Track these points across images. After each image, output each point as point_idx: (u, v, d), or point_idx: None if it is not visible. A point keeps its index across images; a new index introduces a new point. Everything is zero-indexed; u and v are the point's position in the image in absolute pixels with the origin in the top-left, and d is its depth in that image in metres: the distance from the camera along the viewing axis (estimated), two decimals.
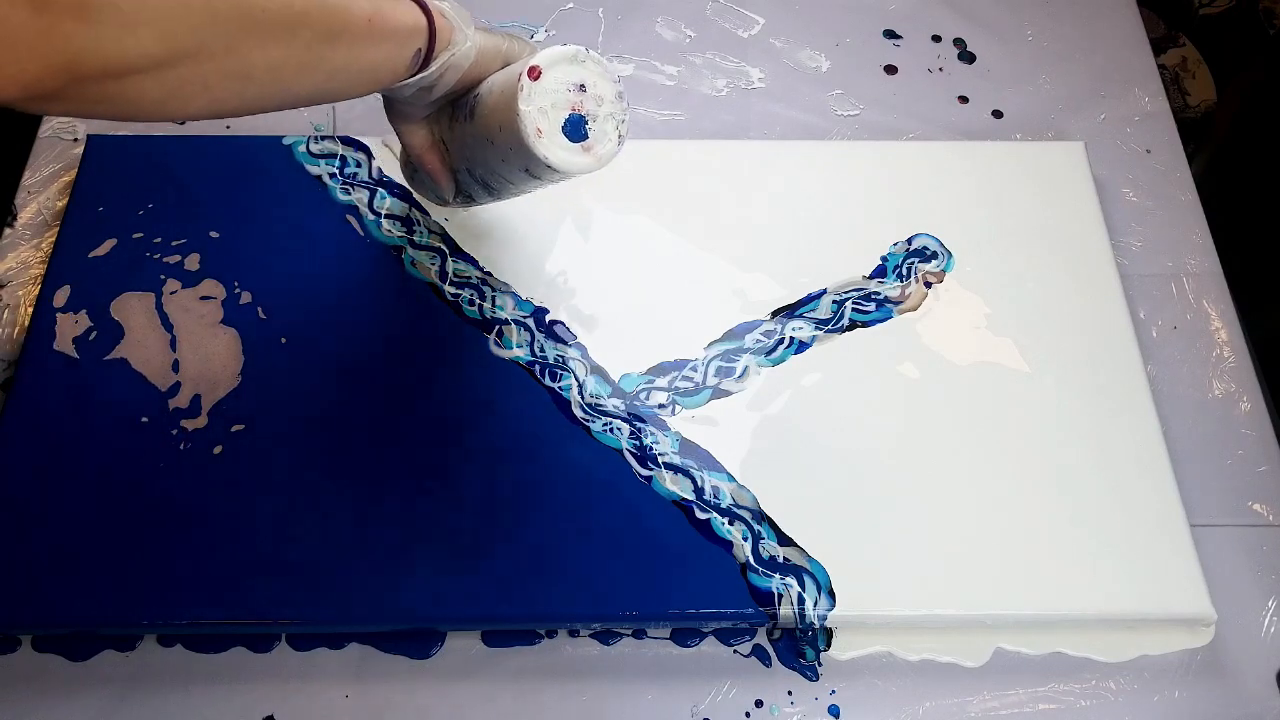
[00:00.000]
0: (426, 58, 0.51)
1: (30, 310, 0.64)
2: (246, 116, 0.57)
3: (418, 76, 0.51)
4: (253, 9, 0.42)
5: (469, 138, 0.55)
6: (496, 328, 0.63)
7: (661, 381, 0.61)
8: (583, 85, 0.52)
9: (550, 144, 0.51)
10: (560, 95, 0.51)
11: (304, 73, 0.46)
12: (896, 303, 0.65)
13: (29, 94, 0.36)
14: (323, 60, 0.46)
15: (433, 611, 0.55)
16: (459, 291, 0.64)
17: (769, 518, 0.57)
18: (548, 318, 0.64)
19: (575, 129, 0.52)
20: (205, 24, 0.40)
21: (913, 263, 0.66)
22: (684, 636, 0.56)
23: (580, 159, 0.52)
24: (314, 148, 0.69)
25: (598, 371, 0.62)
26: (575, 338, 0.63)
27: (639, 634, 0.56)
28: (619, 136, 0.52)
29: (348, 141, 0.70)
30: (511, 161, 0.53)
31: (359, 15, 0.47)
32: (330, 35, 0.46)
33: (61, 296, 0.63)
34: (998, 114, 0.76)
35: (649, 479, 0.58)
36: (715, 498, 0.57)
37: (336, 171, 0.69)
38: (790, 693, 0.55)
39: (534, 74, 0.51)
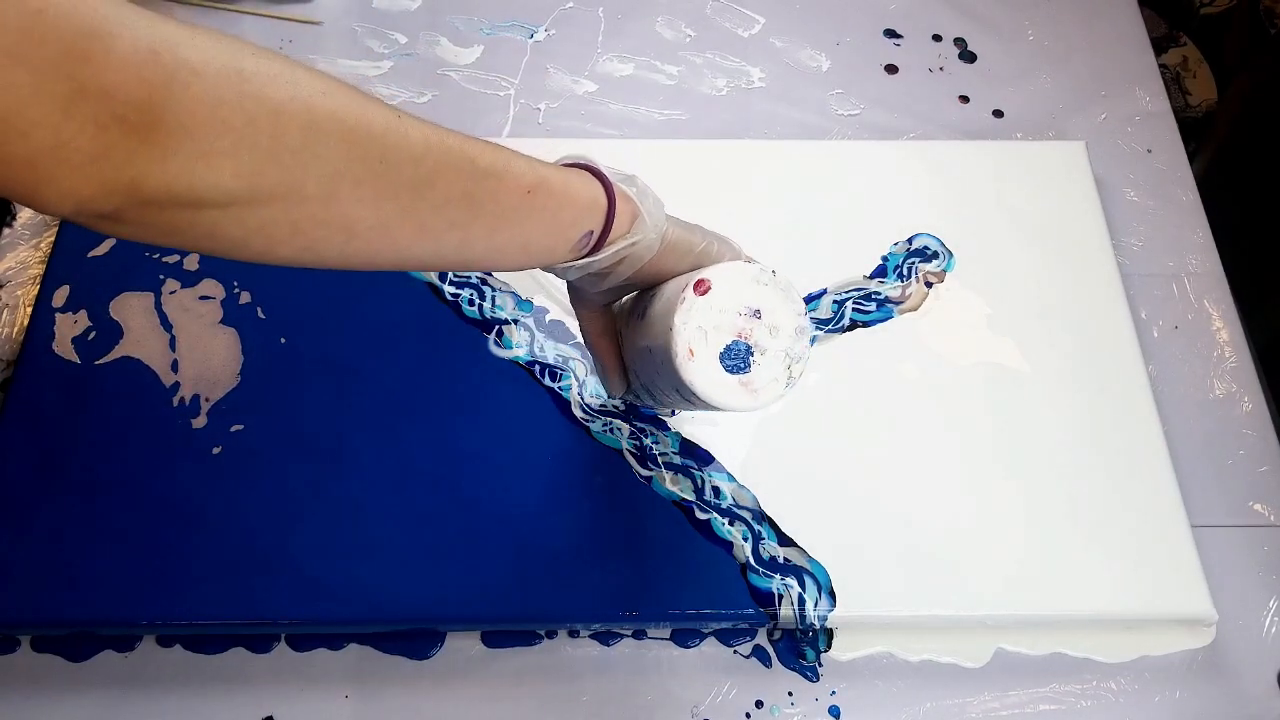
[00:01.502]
0: (599, 242, 0.44)
1: (30, 310, 0.64)
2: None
3: (584, 261, 0.45)
4: (369, 158, 0.37)
5: (637, 337, 0.50)
6: (496, 328, 0.63)
7: None
8: (758, 311, 0.45)
9: (700, 370, 0.45)
10: (727, 318, 0.45)
11: (427, 235, 0.40)
12: (897, 303, 0.65)
13: (83, 211, 0.32)
14: (455, 226, 0.40)
15: (433, 611, 0.55)
16: (459, 291, 0.64)
17: (769, 518, 0.57)
18: (548, 318, 0.64)
19: (735, 359, 0.45)
20: (302, 166, 0.35)
21: (913, 262, 0.66)
22: (684, 637, 0.56)
23: (733, 394, 0.45)
24: None
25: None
26: (575, 338, 0.63)
27: (639, 634, 0.56)
28: (789, 379, 0.45)
29: None
30: (665, 376, 0.47)
31: (515, 183, 0.41)
32: (471, 201, 0.40)
33: (61, 296, 0.63)
34: (998, 113, 0.76)
35: (649, 479, 0.58)
36: (715, 498, 0.57)
37: None
38: (791, 693, 0.55)
39: (701, 288, 0.45)
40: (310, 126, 0.35)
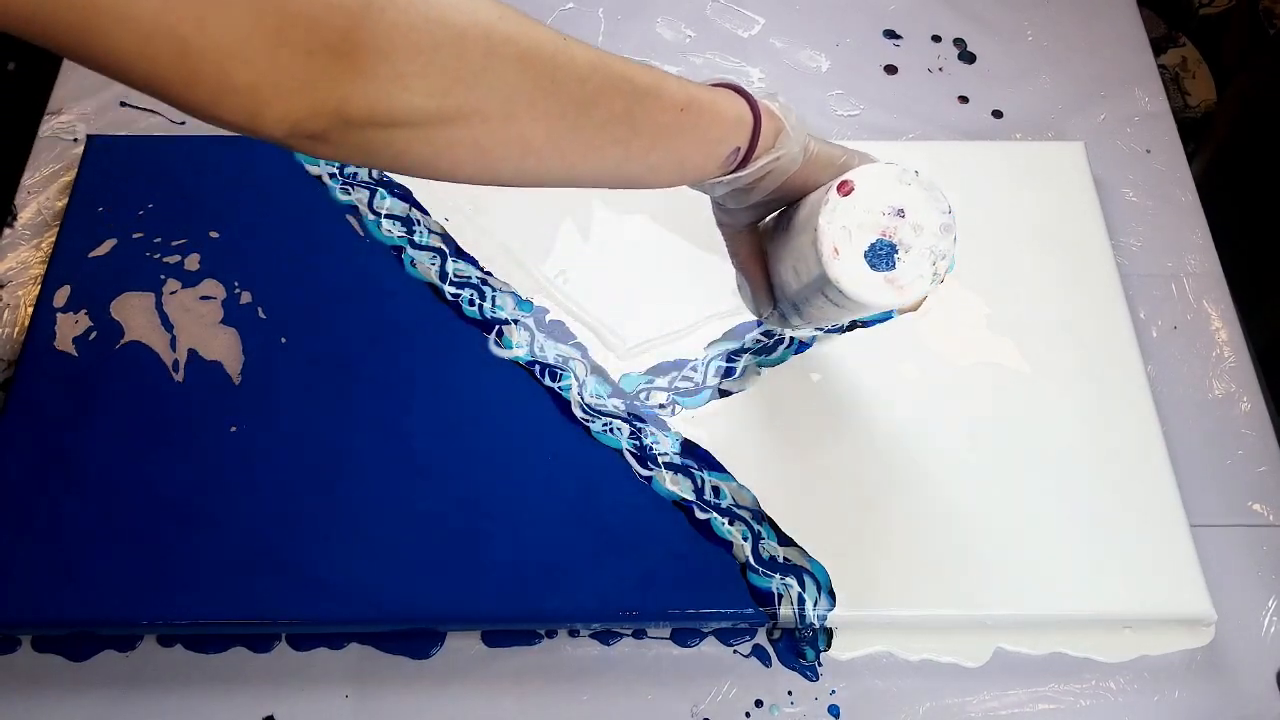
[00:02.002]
0: (745, 158, 0.47)
1: (30, 310, 0.64)
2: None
3: (731, 176, 0.48)
4: (541, 78, 0.40)
5: (781, 251, 0.51)
6: (496, 328, 0.63)
7: (661, 381, 0.61)
8: (902, 210, 0.46)
9: (844, 267, 0.46)
10: (871, 217, 0.46)
11: (592, 152, 0.43)
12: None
13: (295, 133, 0.36)
14: (616, 143, 0.43)
15: (433, 611, 0.55)
16: (459, 291, 0.64)
17: (769, 518, 0.57)
18: (548, 318, 0.64)
19: (879, 257, 0.46)
20: (483, 86, 0.38)
21: None
22: (684, 636, 0.56)
23: (878, 291, 0.46)
24: None
25: (598, 371, 0.62)
26: (575, 338, 0.63)
27: (639, 634, 0.56)
28: (934, 275, 0.46)
29: None
30: (810, 283, 0.48)
31: (669, 102, 0.44)
32: (631, 119, 0.43)
33: (61, 296, 0.63)
34: (998, 114, 0.76)
35: (649, 479, 0.58)
36: (715, 498, 0.57)
37: (336, 171, 0.69)
38: (790, 693, 0.55)
39: (844, 189, 0.46)
40: (489, 50, 0.38)
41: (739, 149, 0.46)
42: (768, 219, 0.54)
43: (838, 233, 0.46)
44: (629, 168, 0.45)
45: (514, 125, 0.40)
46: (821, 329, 0.60)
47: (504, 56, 0.38)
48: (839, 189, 0.46)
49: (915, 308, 0.61)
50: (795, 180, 0.49)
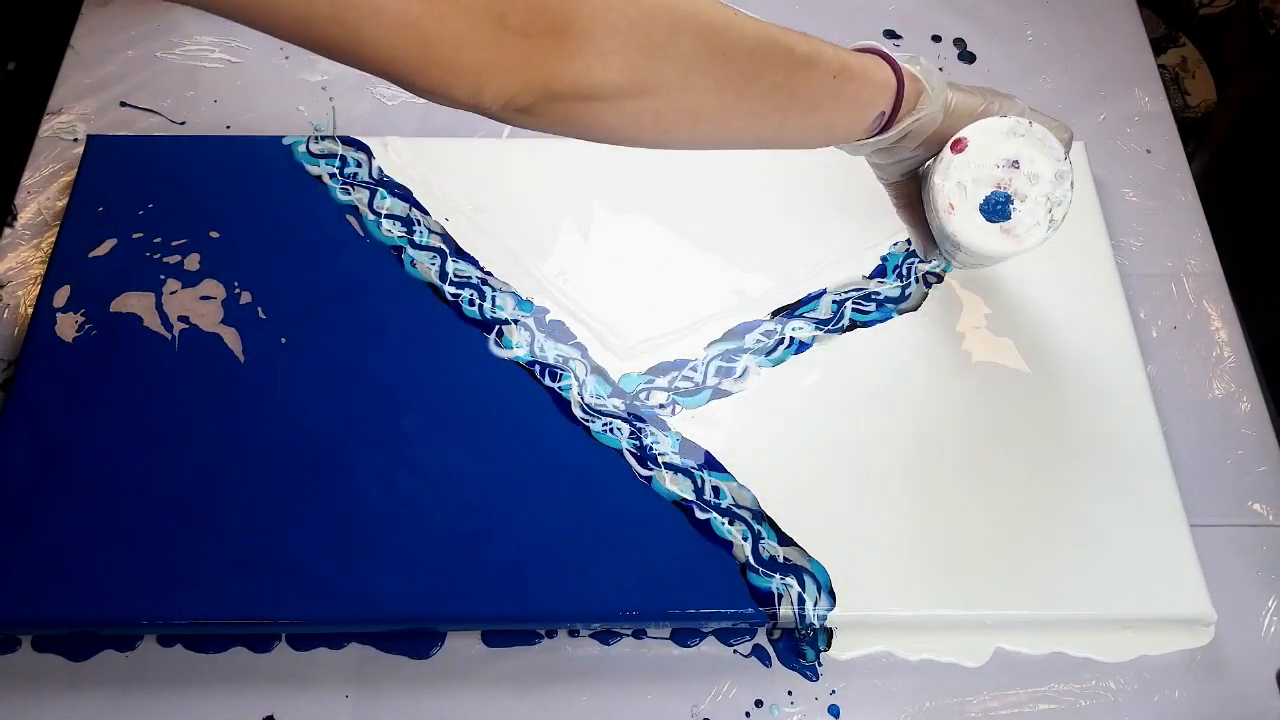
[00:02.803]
0: (890, 120, 0.50)
1: (30, 310, 0.64)
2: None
3: (874, 139, 0.50)
4: (715, 52, 0.43)
5: (926, 200, 0.53)
6: (496, 328, 0.63)
7: (661, 381, 0.61)
8: (1016, 161, 0.48)
9: (962, 221, 0.48)
10: (986, 170, 0.48)
11: (755, 119, 0.46)
12: (896, 303, 0.65)
13: (509, 107, 0.40)
14: (776, 110, 0.46)
15: (433, 611, 0.55)
16: (459, 291, 0.64)
17: (769, 518, 0.57)
18: (548, 318, 0.64)
19: (995, 208, 0.48)
20: (667, 60, 0.42)
21: (912, 263, 0.66)
22: (684, 636, 0.56)
23: (996, 240, 0.48)
24: (314, 147, 0.69)
25: (598, 371, 0.62)
26: (575, 338, 0.63)
27: (639, 634, 0.56)
28: (1050, 221, 0.48)
29: (348, 141, 0.70)
30: (940, 235, 0.51)
31: (824, 70, 0.47)
32: (790, 87, 0.46)
33: (61, 296, 0.63)
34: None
35: (649, 479, 0.58)
36: (715, 498, 0.57)
37: (336, 171, 0.69)
38: (790, 693, 0.55)
39: (958, 146, 0.48)
40: (672, 26, 0.41)
41: (884, 112, 0.49)
42: (925, 167, 0.55)
43: (953, 189, 0.48)
44: (784, 132, 0.48)
45: (689, 95, 0.43)
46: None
47: (685, 31, 0.42)
48: (953, 146, 0.48)
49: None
50: (939, 134, 0.51)
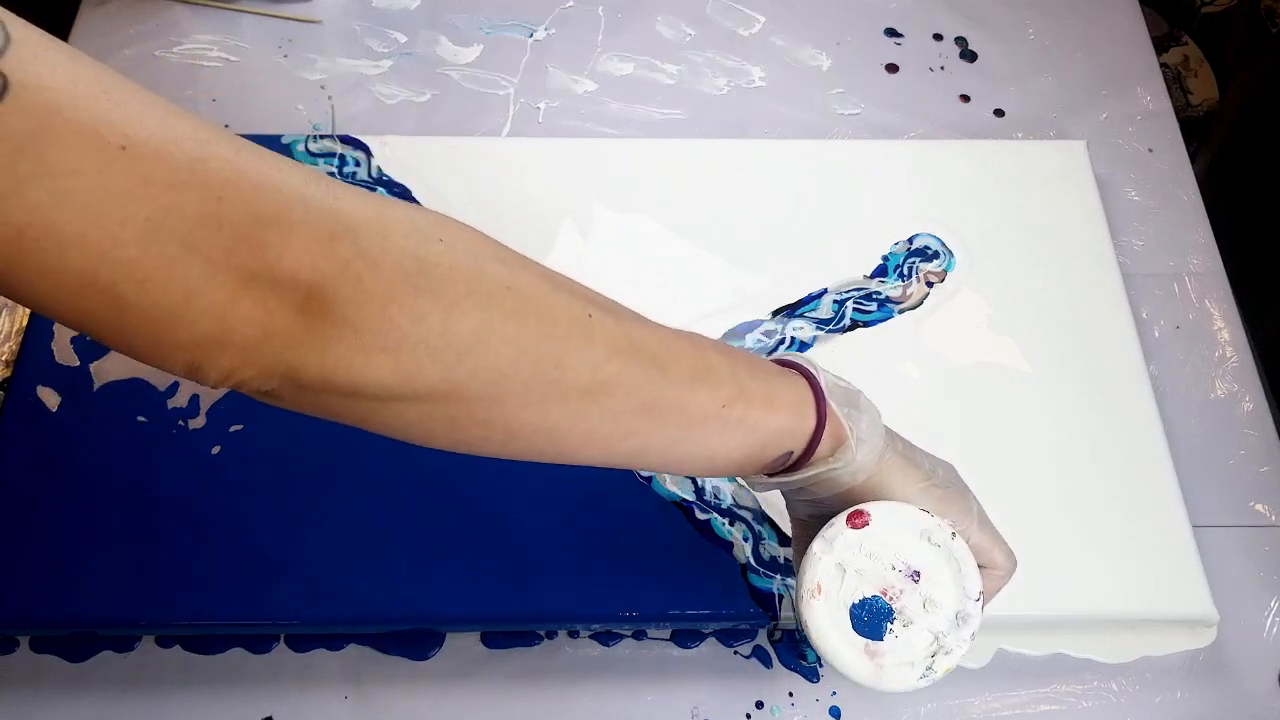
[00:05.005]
0: (799, 461, 0.40)
1: (29, 310, 0.64)
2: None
3: (775, 479, 0.41)
4: (542, 363, 0.34)
5: (795, 559, 0.43)
6: None
7: None
8: (917, 573, 0.38)
9: (822, 615, 0.38)
10: (878, 566, 0.38)
11: (596, 444, 0.37)
12: (897, 302, 0.64)
13: (242, 388, 0.32)
14: (630, 436, 0.37)
15: (433, 611, 0.55)
16: None
17: (770, 519, 0.57)
18: None
19: (867, 619, 0.38)
20: (466, 367, 0.33)
21: (914, 262, 0.66)
22: (684, 637, 0.56)
23: (851, 656, 0.38)
24: (313, 147, 0.69)
25: None
26: None
27: (639, 634, 0.56)
28: (927, 670, 0.38)
29: (347, 140, 0.70)
30: (796, 610, 0.41)
31: (709, 397, 0.37)
32: (652, 413, 0.37)
33: None
34: (999, 113, 0.76)
35: (649, 479, 0.58)
36: (716, 498, 0.57)
37: (336, 170, 0.68)
38: (791, 694, 0.55)
39: (857, 520, 0.38)
40: (483, 327, 0.33)
41: (791, 452, 0.40)
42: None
43: (830, 569, 0.38)
44: (645, 459, 0.39)
45: (498, 409, 0.34)
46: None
47: (499, 336, 0.33)
48: (850, 518, 0.39)
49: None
50: (858, 492, 0.41)
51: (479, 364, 0.33)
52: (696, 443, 0.38)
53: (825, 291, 0.65)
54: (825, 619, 0.38)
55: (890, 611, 0.38)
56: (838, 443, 0.40)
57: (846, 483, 0.40)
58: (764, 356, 0.43)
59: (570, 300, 0.36)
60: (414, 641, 0.55)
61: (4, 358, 0.63)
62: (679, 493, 0.57)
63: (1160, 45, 1.03)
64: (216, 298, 0.29)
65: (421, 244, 0.33)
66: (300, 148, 0.69)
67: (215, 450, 0.58)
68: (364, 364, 0.32)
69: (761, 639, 0.56)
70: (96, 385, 0.60)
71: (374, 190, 0.68)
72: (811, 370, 0.41)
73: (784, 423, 0.39)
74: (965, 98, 0.77)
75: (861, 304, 0.64)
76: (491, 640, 0.56)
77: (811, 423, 0.39)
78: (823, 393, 0.40)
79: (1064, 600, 0.55)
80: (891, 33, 0.80)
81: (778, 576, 0.55)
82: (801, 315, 0.64)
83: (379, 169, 0.69)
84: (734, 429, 0.38)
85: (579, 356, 0.35)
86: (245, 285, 0.29)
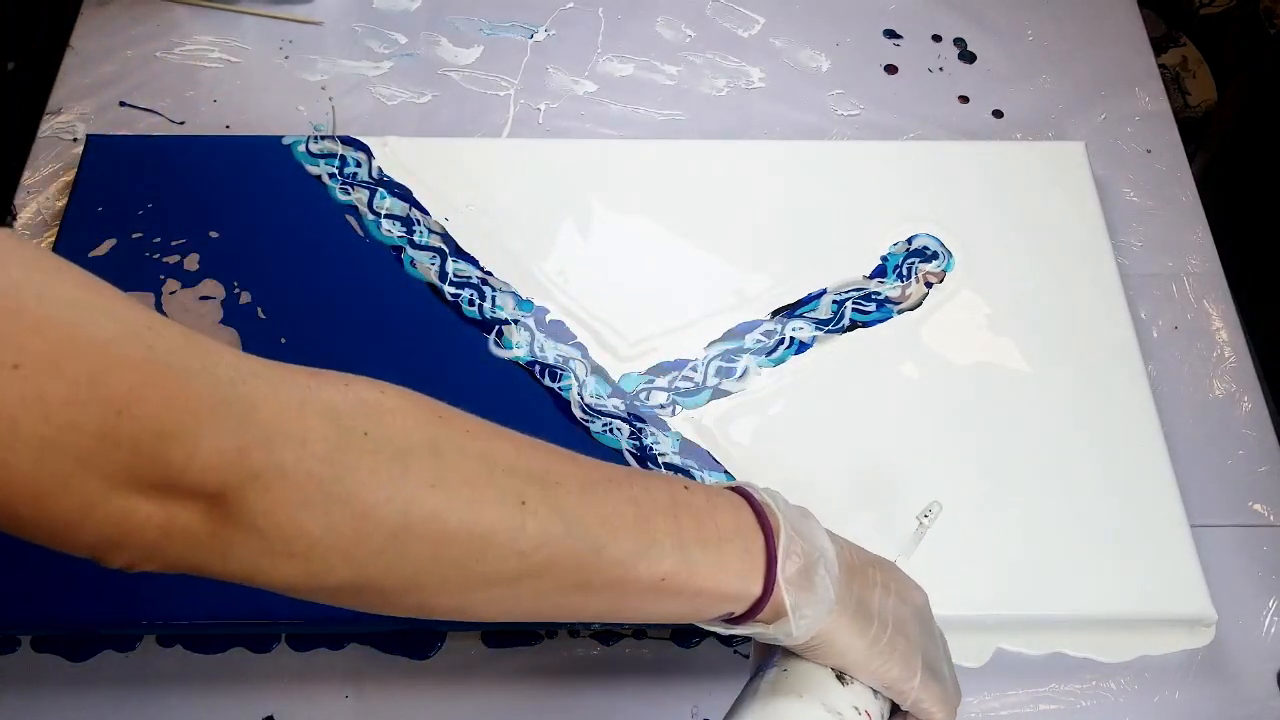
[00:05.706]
0: (742, 617, 0.39)
1: None
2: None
3: (719, 630, 0.40)
4: (464, 556, 0.33)
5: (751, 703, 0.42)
6: (496, 328, 0.63)
7: (661, 381, 0.61)
8: None
9: None
10: None
11: (518, 614, 0.36)
12: (897, 303, 0.65)
13: (148, 573, 0.31)
14: (561, 610, 0.37)
15: None
16: (459, 291, 0.64)
17: None
18: (548, 318, 0.64)
19: None
20: (376, 566, 0.32)
21: (913, 263, 0.66)
22: (684, 636, 0.56)
23: None
24: (314, 147, 0.69)
25: (598, 371, 0.61)
26: (575, 338, 0.63)
27: (639, 634, 0.56)
28: None
29: (347, 141, 0.70)
30: None
31: (647, 572, 0.36)
32: (585, 590, 0.36)
33: None
34: (998, 114, 0.76)
35: None
36: None
37: (336, 171, 0.68)
38: None
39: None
40: (401, 530, 0.32)
41: (731, 613, 0.38)
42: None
43: (755, 711, 0.38)
44: (578, 619, 0.39)
45: (412, 596, 0.34)
46: None
47: (418, 537, 0.32)
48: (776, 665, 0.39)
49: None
50: (802, 647, 0.40)
51: (393, 562, 0.32)
52: (632, 609, 0.38)
53: (824, 292, 0.65)
54: None
55: None
56: (779, 614, 0.38)
57: (785, 643, 0.40)
58: (734, 487, 0.41)
59: (505, 485, 0.34)
60: (414, 641, 0.55)
61: None
62: None
63: (1159, 46, 1.03)
64: (114, 508, 0.28)
65: (342, 442, 0.31)
66: (301, 148, 0.69)
67: None
68: (270, 567, 0.31)
69: None
70: None
71: (374, 191, 0.68)
72: (772, 525, 0.39)
73: (727, 592, 0.37)
74: (964, 99, 0.77)
75: (860, 304, 0.64)
76: (491, 640, 0.56)
77: (757, 591, 0.38)
78: (776, 559, 0.38)
79: (1063, 600, 0.55)
80: (890, 34, 0.80)
81: None
82: (801, 315, 0.64)
83: (379, 170, 0.69)
84: (671, 598, 0.37)
85: (504, 548, 0.33)
86: (145, 494, 0.28)
